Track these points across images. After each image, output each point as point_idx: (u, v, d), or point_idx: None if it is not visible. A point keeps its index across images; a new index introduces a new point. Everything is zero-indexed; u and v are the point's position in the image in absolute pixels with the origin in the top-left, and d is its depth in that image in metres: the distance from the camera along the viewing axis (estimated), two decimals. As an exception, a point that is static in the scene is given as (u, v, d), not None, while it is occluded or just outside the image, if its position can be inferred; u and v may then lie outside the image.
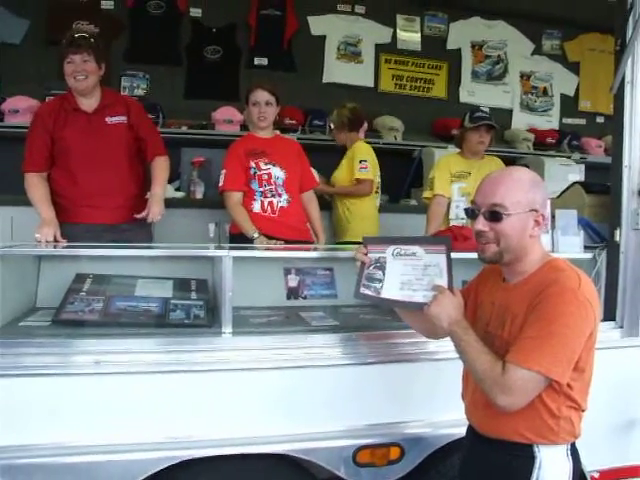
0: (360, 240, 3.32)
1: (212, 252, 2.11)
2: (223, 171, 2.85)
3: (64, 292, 2.09)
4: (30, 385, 1.69)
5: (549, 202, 2.33)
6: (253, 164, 2.82)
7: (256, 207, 2.82)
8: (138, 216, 2.47)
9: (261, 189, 2.82)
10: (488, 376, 1.39)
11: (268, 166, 2.83)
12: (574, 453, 1.48)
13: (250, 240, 2.69)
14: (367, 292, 1.73)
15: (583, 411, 1.47)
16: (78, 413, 1.70)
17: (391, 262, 1.69)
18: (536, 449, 1.43)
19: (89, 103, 2.55)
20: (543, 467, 1.42)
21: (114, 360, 1.74)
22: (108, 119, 2.55)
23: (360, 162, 3.45)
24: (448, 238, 1.71)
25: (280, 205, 2.83)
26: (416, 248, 1.65)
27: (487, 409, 1.48)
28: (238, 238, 2.78)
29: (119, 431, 1.71)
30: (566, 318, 1.36)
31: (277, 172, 2.84)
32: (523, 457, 1.44)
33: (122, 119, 2.58)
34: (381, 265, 1.71)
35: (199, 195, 3.77)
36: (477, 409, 1.55)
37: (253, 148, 2.85)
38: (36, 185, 2.50)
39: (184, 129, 4.07)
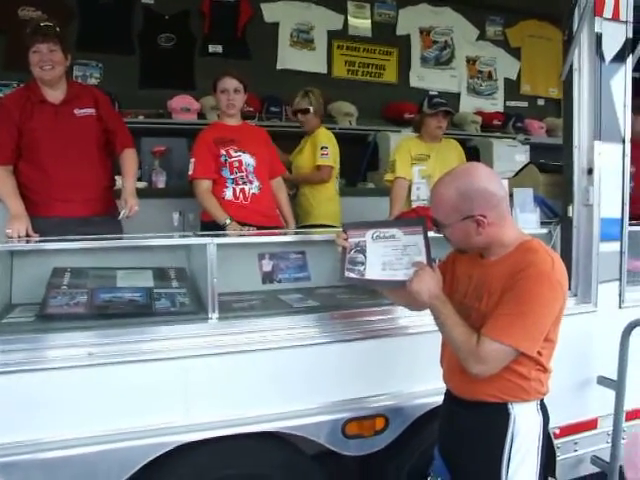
0: (325, 222, 3.43)
1: (196, 240, 2.15)
2: (192, 159, 2.86)
3: (40, 287, 2.08)
4: (24, 381, 1.70)
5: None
6: (223, 152, 2.84)
7: (228, 194, 2.85)
8: (121, 216, 2.46)
9: (232, 176, 2.85)
10: (464, 347, 1.53)
11: (238, 153, 2.86)
12: (543, 408, 1.64)
13: (222, 227, 2.73)
14: (352, 275, 1.82)
15: (550, 372, 1.63)
16: (75, 405, 1.72)
17: (371, 245, 1.79)
18: (510, 406, 1.58)
19: (55, 94, 2.50)
20: (517, 421, 1.58)
21: (107, 351, 1.77)
22: (77, 111, 2.51)
23: (322, 149, 3.51)
24: (424, 219, 1.82)
25: (252, 192, 2.88)
26: (394, 230, 1.76)
27: (464, 374, 1.61)
28: (210, 226, 2.81)
29: (116, 420, 1.75)
30: (539, 299, 1.50)
31: (247, 159, 2.88)
32: (499, 414, 1.59)
33: (91, 111, 2.55)
34: (362, 249, 1.81)
35: (161, 185, 3.75)
36: (454, 374, 1.68)
37: (222, 136, 2.87)
38: (3, 179, 2.44)
39: (141, 118, 4.01)
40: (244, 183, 2.87)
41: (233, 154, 2.86)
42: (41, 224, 2.40)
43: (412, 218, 2.40)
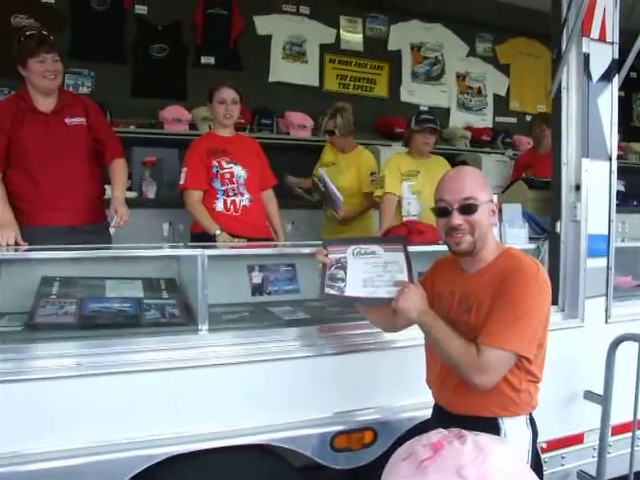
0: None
1: (187, 251, 2.15)
2: (184, 169, 2.86)
3: (28, 296, 2.07)
4: (11, 391, 1.68)
5: (495, 197, 2.55)
6: (215, 163, 2.85)
7: (219, 206, 2.85)
8: (112, 227, 2.45)
9: (224, 188, 2.86)
10: (464, 359, 1.52)
11: (230, 165, 2.87)
12: (532, 422, 1.66)
13: (212, 238, 2.72)
14: (331, 292, 1.81)
15: (540, 381, 1.64)
16: (63, 417, 1.70)
17: (352, 261, 1.78)
18: (500, 421, 1.59)
19: (47, 103, 2.50)
20: (507, 437, 1.58)
21: (96, 362, 1.76)
22: (67, 120, 2.51)
23: (371, 174, 3.48)
24: (405, 236, 1.84)
25: (243, 204, 2.88)
26: (375, 247, 1.76)
27: (456, 389, 1.62)
28: (200, 237, 2.79)
29: (105, 432, 1.74)
30: (530, 301, 1.52)
31: (239, 171, 2.88)
32: (489, 429, 1.57)
33: (81, 120, 2.54)
34: (342, 265, 1.80)
35: (151, 195, 3.74)
36: (446, 390, 1.68)
37: (214, 147, 2.88)
38: None
39: (132, 128, 4.01)
40: (235, 195, 2.87)
41: (225, 166, 2.86)
42: (30, 233, 2.39)
43: (394, 236, 2.40)
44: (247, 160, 2.92)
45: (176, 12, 4.38)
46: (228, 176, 2.86)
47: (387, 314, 1.81)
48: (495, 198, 2.48)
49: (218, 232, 2.72)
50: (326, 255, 1.84)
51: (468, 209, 1.60)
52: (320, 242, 1.94)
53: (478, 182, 1.64)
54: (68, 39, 4.01)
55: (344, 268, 1.79)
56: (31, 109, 2.48)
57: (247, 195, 2.90)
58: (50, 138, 2.48)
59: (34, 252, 2.17)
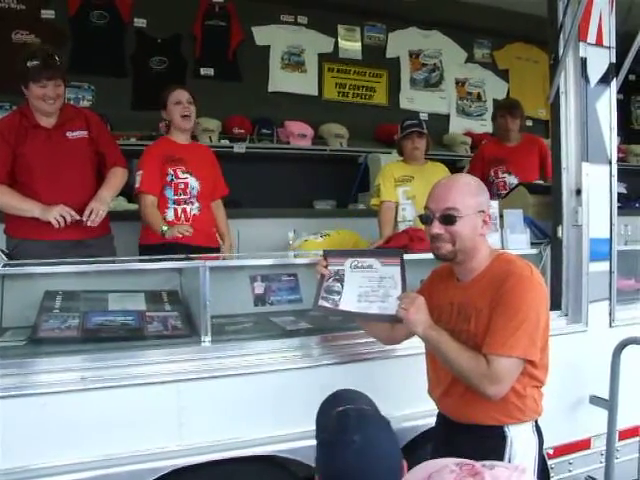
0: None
1: (188, 263, 2.15)
2: (140, 172, 2.78)
3: (30, 310, 2.08)
4: (16, 406, 1.68)
5: (496, 203, 2.56)
6: (171, 171, 2.80)
7: (169, 215, 2.80)
8: (84, 219, 2.42)
9: (175, 197, 2.80)
10: (475, 371, 1.52)
11: (186, 175, 2.82)
12: (538, 429, 1.65)
13: (162, 250, 2.59)
14: (325, 304, 1.82)
15: (543, 386, 1.63)
16: (68, 431, 1.71)
17: (349, 274, 1.79)
18: (506, 429, 1.59)
19: (49, 119, 2.52)
20: (514, 444, 1.58)
21: (100, 375, 1.76)
22: (69, 134, 2.52)
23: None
24: (402, 251, 1.83)
25: (193, 213, 2.84)
26: (372, 260, 1.77)
27: (461, 398, 1.62)
28: (149, 250, 2.71)
29: (109, 445, 1.74)
30: (528, 303, 1.53)
31: (193, 183, 2.83)
32: (495, 438, 1.59)
33: (83, 133, 2.56)
34: (340, 277, 1.81)
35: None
36: (450, 399, 1.67)
37: (171, 154, 2.82)
38: (8, 191, 2.44)
39: (133, 140, 4.02)
40: (186, 203, 2.82)
41: (180, 175, 2.81)
42: (34, 247, 2.41)
43: (391, 249, 2.39)
44: (201, 171, 2.87)
45: (175, 25, 4.39)
46: (182, 186, 2.80)
47: (385, 327, 1.82)
48: (495, 204, 2.52)
49: (165, 228, 2.64)
50: (326, 266, 1.84)
51: (448, 219, 1.59)
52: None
53: (466, 192, 1.61)
54: (68, 53, 4.02)
55: (341, 281, 1.80)
56: (33, 125, 2.49)
57: (197, 204, 2.84)
58: (52, 152, 2.49)
59: (36, 267, 2.15)
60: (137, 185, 2.78)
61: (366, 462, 1.14)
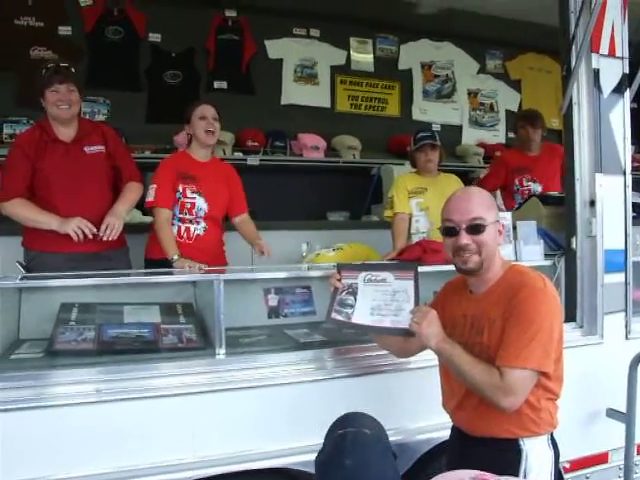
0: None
1: (203, 276, 2.17)
2: (153, 186, 2.71)
3: (47, 323, 2.11)
4: (33, 418, 1.70)
5: (509, 215, 2.55)
6: (180, 188, 2.74)
7: (173, 231, 2.73)
8: (100, 234, 2.43)
9: (181, 215, 2.75)
10: (488, 384, 1.51)
11: (194, 195, 2.74)
12: (554, 442, 1.64)
13: (168, 263, 2.55)
14: (338, 317, 1.83)
15: (558, 399, 1.63)
16: (83, 442, 1.72)
17: (362, 288, 1.80)
18: (521, 442, 1.58)
19: (67, 133, 2.56)
20: (529, 458, 1.57)
21: (115, 387, 1.78)
22: (87, 149, 2.57)
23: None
24: (416, 264, 1.84)
25: (196, 233, 2.77)
26: (386, 274, 1.77)
27: (475, 411, 1.62)
28: (154, 264, 2.66)
29: (124, 457, 1.75)
30: (542, 314, 1.53)
31: (201, 204, 2.76)
32: (511, 451, 1.58)
33: (100, 148, 2.60)
34: (353, 291, 1.82)
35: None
36: (465, 412, 1.67)
37: (185, 171, 2.76)
38: (27, 204, 2.48)
39: (147, 153, 4.07)
40: (190, 223, 2.77)
41: (189, 195, 2.74)
42: (51, 259, 2.45)
43: (406, 262, 2.39)
44: (213, 191, 2.81)
45: (188, 39, 4.45)
46: (188, 206, 2.75)
47: (398, 340, 1.82)
48: (508, 216, 2.51)
49: (176, 257, 2.54)
50: (339, 279, 1.85)
51: (476, 229, 1.62)
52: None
53: (485, 203, 1.66)
54: (84, 69, 4.09)
55: (354, 294, 1.81)
56: (52, 139, 2.54)
57: (202, 224, 2.78)
58: (71, 167, 2.53)
59: (53, 280, 2.17)
60: (150, 199, 2.71)
61: None
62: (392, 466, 1.27)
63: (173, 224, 2.75)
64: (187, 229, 2.76)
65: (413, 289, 1.68)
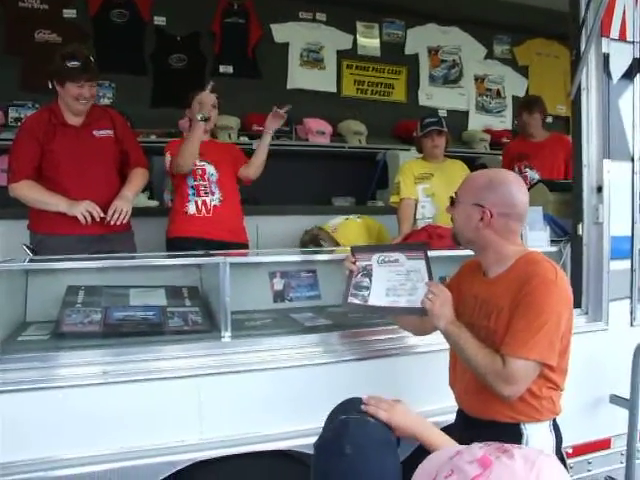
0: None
1: (210, 259, 2.17)
2: (168, 156, 2.92)
3: (53, 305, 2.11)
4: (40, 399, 1.71)
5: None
6: None
7: (191, 209, 2.88)
8: (108, 218, 2.47)
9: (195, 183, 2.88)
10: (490, 369, 1.52)
11: (202, 163, 2.91)
12: (556, 428, 1.64)
13: (188, 243, 2.72)
14: (355, 301, 1.82)
15: (562, 390, 1.63)
16: (89, 424, 1.73)
17: (377, 269, 1.79)
18: (522, 427, 1.59)
19: (77, 117, 2.58)
20: (530, 442, 1.57)
21: (121, 369, 1.78)
22: (95, 132, 2.59)
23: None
24: (425, 244, 1.84)
25: (213, 204, 2.89)
26: (398, 255, 1.76)
27: (478, 394, 1.62)
28: (176, 243, 2.83)
29: (130, 438, 1.76)
30: (550, 307, 1.51)
31: (211, 169, 2.92)
32: (511, 435, 1.58)
33: (109, 132, 2.62)
34: (368, 272, 1.81)
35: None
36: (468, 395, 1.68)
37: None
38: (35, 186, 2.50)
39: (153, 138, 4.07)
40: (206, 194, 2.89)
41: (197, 163, 2.89)
42: (58, 242, 2.47)
43: (415, 242, 2.40)
44: (220, 162, 2.96)
45: (194, 23, 4.43)
46: (200, 172, 2.89)
47: (415, 318, 1.82)
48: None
49: (199, 117, 2.77)
50: (354, 262, 1.85)
51: (451, 201, 1.72)
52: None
53: (469, 183, 1.69)
54: (90, 52, 4.07)
55: (369, 276, 1.81)
56: (62, 122, 2.55)
57: (217, 194, 2.90)
58: (80, 150, 2.55)
59: (59, 262, 2.19)
60: (168, 162, 2.90)
61: (356, 474, 1.13)
62: (393, 455, 1.26)
63: (189, 200, 2.88)
64: (204, 202, 2.87)
65: (425, 268, 1.68)
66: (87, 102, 2.53)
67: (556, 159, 3.59)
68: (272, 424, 1.90)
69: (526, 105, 3.82)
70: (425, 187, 3.27)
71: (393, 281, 1.75)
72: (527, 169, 3.67)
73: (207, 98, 2.88)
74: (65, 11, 4.14)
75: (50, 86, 2.57)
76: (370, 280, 1.80)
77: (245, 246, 3.01)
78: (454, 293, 1.69)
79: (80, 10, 4.17)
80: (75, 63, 2.46)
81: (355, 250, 1.88)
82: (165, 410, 1.81)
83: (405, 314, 1.81)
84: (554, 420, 1.64)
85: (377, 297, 1.78)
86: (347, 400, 1.51)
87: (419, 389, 2.06)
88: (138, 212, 2.94)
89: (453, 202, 1.70)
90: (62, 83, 2.49)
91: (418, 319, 1.82)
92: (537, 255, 1.65)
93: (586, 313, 2.45)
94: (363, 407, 1.43)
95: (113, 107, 3.70)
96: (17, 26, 4.02)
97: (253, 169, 3.07)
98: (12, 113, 3.94)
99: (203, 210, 2.87)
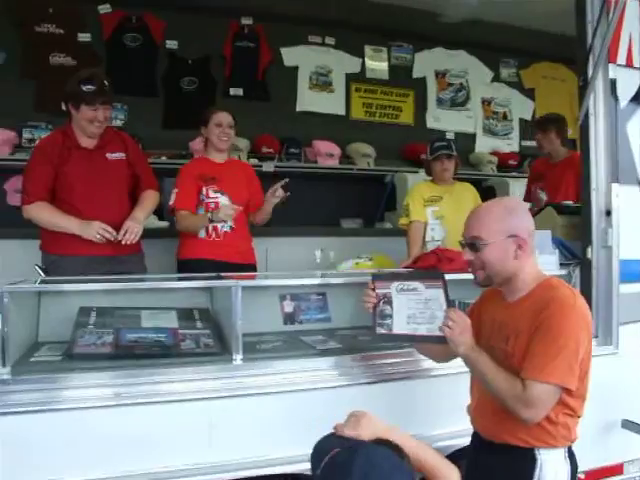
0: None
1: (221, 282, 2.19)
2: (175, 190, 2.90)
3: (65, 326, 2.12)
4: (52, 421, 1.72)
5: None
6: (204, 190, 2.89)
7: (201, 233, 2.88)
8: (119, 238, 2.48)
9: (208, 215, 2.86)
10: (510, 394, 1.52)
11: (216, 194, 2.90)
12: (571, 456, 1.63)
13: (199, 265, 2.74)
14: (382, 331, 1.84)
15: (579, 417, 1.62)
16: (101, 446, 1.74)
17: (396, 297, 1.80)
18: (537, 452, 1.58)
19: (90, 140, 2.61)
20: (544, 469, 1.57)
21: (133, 392, 1.79)
22: (108, 155, 2.63)
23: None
24: (443, 273, 1.85)
25: (224, 230, 2.90)
26: (416, 283, 1.77)
27: (493, 416, 1.62)
28: (187, 263, 2.86)
29: (141, 461, 1.77)
30: (569, 332, 1.52)
31: (224, 201, 2.88)
32: (525, 459, 1.58)
33: (122, 155, 2.66)
34: (388, 300, 1.83)
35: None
36: (483, 417, 1.68)
37: (205, 172, 2.92)
38: (48, 207, 2.54)
39: (164, 159, 4.12)
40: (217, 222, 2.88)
41: (211, 194, 2.89)
42: (70, 262, 2.49)
43: (432, 272, 2.39)
44: (235, 189, 2.94)
45: (205, 46, 4.49)
46: (212, 206, 2.87)
47: (435, 345, 1.82)
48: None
49: (209, 215, 2.77)
50: (373, 289, 1.86)
51: (474, 247, 1.64)
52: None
53: (491, 219, 1.63)
54: (105, 77, 4.14)
55: (390, 303, 1.82)
56: (75, 145, 2.59)
57: (229, 222, 2.89)
58: (93, 172, 2.59)
59: (71, 284, 2.22)
60: (172, 203, 2.88)
61: None
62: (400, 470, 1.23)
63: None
64: (214, 227, 2.88)
65: (444, 297, 1.68)
66: (101, 125, 2.57)
67: (564, 180, 3.54)
68: (282, 447, 1.89)
69: (539, 124, 3.80)
70: (434, 210, 3.29)
71: (413, 309, 1.76)
72: (538, 191, 3.69)
73: (225, 119, 2.92)
74: (80, 35, 4.21)
75: (64, 108, 2.61)
76: (391, 307, 1.81)
77: (253, 267, 3.02)
78: (475, 319, 1.70)
79: (94, 34, 4.25)
80: (91, 87, 2.50)
81: (375, 278, 1.90)
82: (176, 433, 1.81)
83: (425, 342, 1.81)
84: (570, 448, 1.63)
85: (399, 325, 1.79)
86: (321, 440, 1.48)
87: (433, 412, 2.06)
88: (148, 233, 2.96)
89: (477, 247, 1.62)
90: (77, 106, 2.53)
91: (439, 346, 1.82)
92: (557, 281, 1.66)
93: (596, 337, 2.44)
94: (336, 433, 1.41)
95: (125, 129, 3.75)
96: (33, 50, 4.10)
97: (260, 218, 3.08)
98: (26, 134, 3.99)
99: (213, 235, 2.88)
